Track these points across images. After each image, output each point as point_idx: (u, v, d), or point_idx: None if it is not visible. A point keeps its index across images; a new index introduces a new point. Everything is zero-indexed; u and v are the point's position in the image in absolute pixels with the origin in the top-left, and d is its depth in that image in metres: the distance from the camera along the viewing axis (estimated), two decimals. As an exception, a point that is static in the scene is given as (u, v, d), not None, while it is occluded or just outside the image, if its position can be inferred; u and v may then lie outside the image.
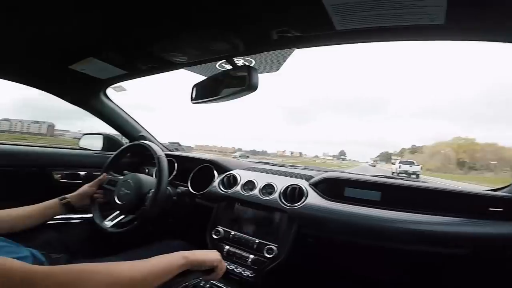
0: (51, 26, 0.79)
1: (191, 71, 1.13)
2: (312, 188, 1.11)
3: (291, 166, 1.54)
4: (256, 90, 0.80)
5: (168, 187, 1.15)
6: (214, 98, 0.88)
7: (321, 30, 0.70)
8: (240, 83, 0.83)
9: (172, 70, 1.04)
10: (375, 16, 0.58)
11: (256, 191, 1.12)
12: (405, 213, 0.99)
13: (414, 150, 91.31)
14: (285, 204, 1.06)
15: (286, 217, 1.04)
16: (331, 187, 1.10)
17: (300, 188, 1.09)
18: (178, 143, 1.74)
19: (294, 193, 1.10)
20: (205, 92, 0.94)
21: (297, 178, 1.19)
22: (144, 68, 1.03)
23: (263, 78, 0.92)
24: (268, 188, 1.13)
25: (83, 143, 1.58)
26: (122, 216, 1.07)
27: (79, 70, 1.08)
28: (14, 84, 1.21)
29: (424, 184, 1.11)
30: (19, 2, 0.67)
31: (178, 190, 1.14)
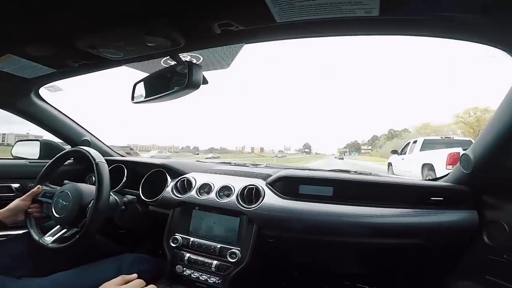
0: None
1: (134, 68, 1.05)
2: (269, 188, 1.09)
3: (253, 165, 1.52)
4: (199, 88, 0.75)
5: (115, 196, 1.07)
6: (155, 97, 0.81)
7: (262, 23, 0.67)
8: (183, 81, 0.77)
9: (109, 68, 0.95)
10: (314, 7, 0.56)
11: (212, 194, 1.08)
12: (356, 206, 1.01)
13: (392, 135, 73.72)
14: (243, 206, 1.03)
15: (246, 219, 1.02)
16: (287, 185, 1.09)
17: (257, 188, 1.07)
18: (129, 146, 1.63)
19: (251, 194, 1.07)
20: (146, 91, 0.87)
21: (256, 178, 1.17)
22: (76, 66, 0.93)
23: (216, 74, 0.88)
24: (226, 190, 1.10)
25: (17, 150, 1.41)
26: (64, 230, 0.97)
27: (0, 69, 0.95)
28: None
29: (372, 178, 1.15)
30: None
31: (124, 198, 1.05)
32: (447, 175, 1.13)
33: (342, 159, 47.69)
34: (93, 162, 0.96)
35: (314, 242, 1.06)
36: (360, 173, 1.30)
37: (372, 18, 0.58)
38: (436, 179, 1.20)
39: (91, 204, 0.94)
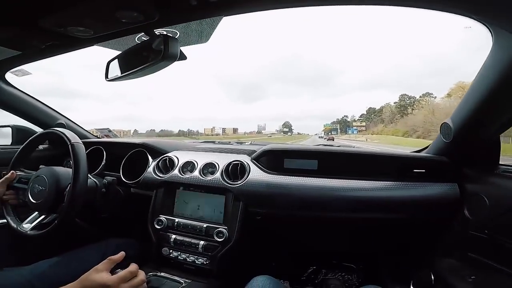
0: None
1: (107, 47, 1.01)
2: (254, 163, 1.08)
3: (237, 143, 1.50)
4: (175, 60, 0.73)
5: (94, 179, 1.05)
6: (129, 72, 0.78)
7: None
8: (159, 55, 0.75)
9: (79, 48, 0.89)
10: None
11: (196, 172, 1.06)
12: (342, 180, 1.00)
13: (406, 104, 56.25)
14: (228, 183, 1.01)
15: (232, 196, 1.00)
16: (272, 159, 1.08)
17: (242, 164, 1.05)
18: (108, 129, 1.58)
19: (236, 170, 1.06)
20: (120, 68, 0.84)
21: (241, 154, 1.15)
22: (44, 47, 0.86)
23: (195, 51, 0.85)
24: (210, 168, 1.08)
25: (-14, 138, 1.32)
26: (43, 216, 0.94)
27: None
28: None
29: (356, 150, 1.13)
30: None
31: (104, 180, 1.04)
32: (428, 146, 1.12)
33: (333, 139, 35.90)
34: (68, 143, 0.92)
35: (301, 219, 1.05)
36: (344, 147, 1.31)
37: None
38: (419, 150, 1.18)
39: (68, 187, 0.91)
